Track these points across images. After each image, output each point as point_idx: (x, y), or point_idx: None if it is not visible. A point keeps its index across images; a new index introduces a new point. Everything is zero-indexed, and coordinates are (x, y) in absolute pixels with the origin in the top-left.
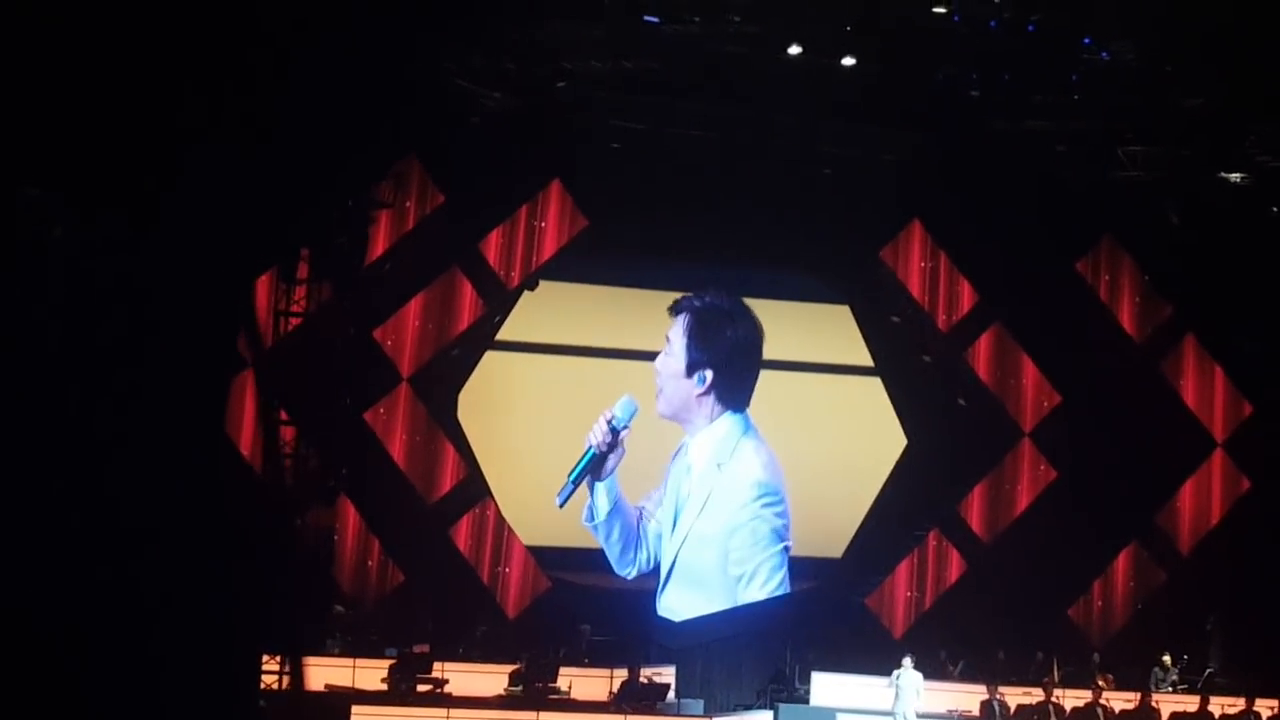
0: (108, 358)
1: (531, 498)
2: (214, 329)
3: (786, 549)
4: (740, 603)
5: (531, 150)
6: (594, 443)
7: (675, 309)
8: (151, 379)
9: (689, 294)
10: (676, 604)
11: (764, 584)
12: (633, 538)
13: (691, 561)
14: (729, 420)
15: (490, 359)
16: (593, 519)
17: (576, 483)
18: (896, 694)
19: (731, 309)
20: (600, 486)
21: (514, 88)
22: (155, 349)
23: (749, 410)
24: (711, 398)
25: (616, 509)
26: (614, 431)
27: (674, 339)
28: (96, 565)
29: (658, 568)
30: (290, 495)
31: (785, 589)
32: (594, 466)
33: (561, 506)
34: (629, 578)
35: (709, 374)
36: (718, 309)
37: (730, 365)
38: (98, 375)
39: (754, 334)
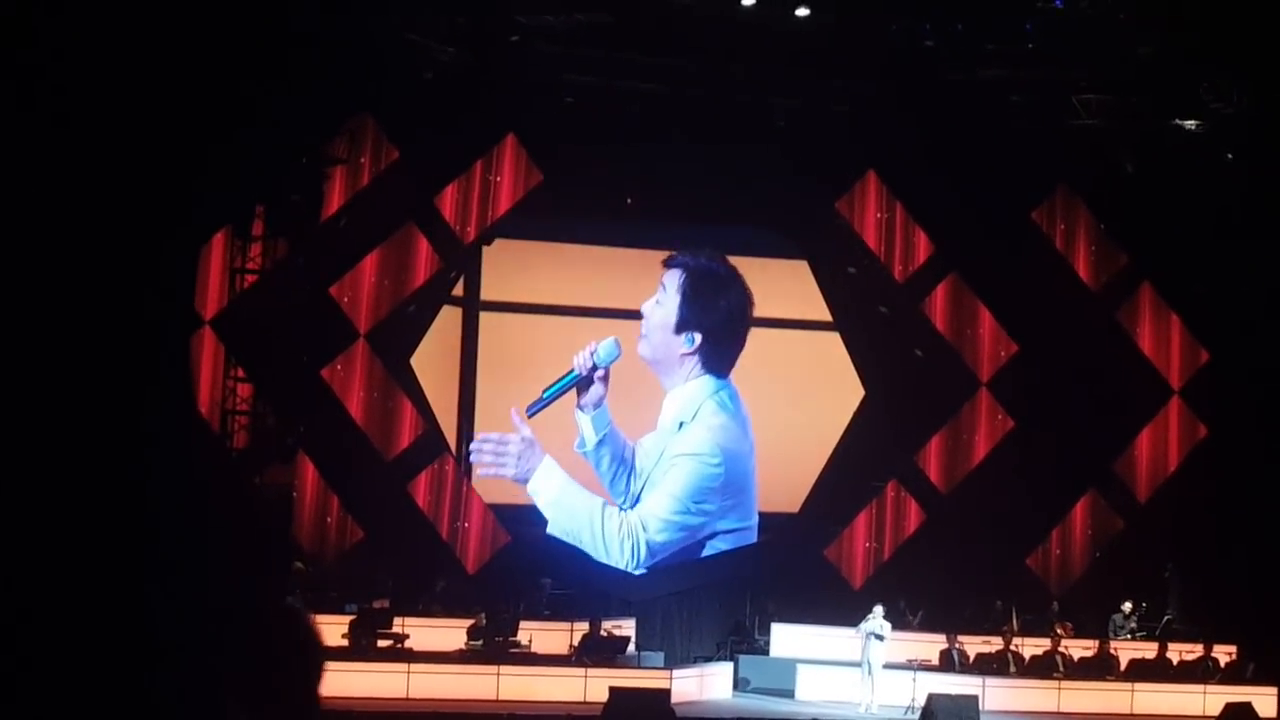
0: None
1: None
2: (170, 288)
3: (700, 514)
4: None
5: (485, 105)
6: (577, 365)
7: (672, 262)
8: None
9: (684, 252)
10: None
11: (659, 523)
12: (624, 469)
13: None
14: (702, 381)
15: (447, 314)
16: (583, 446)
17: (548, 399)
18: (866, 642)
19: (727, 276)
20: (586, 418)
21: (466, 42)
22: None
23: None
24: (695, 359)
25: (606, 440)
26: (595, 364)
27: (669, 289)
28: (48, 531)
29: None
30: (249, 453)
31: (653, 555)
32: (570, 389)
33: (529, 417)
34: (623, 507)
35: (698, 337)
36: (714, 274)
37: (720, 332)
38: (51, 339)
39: (745, 303)
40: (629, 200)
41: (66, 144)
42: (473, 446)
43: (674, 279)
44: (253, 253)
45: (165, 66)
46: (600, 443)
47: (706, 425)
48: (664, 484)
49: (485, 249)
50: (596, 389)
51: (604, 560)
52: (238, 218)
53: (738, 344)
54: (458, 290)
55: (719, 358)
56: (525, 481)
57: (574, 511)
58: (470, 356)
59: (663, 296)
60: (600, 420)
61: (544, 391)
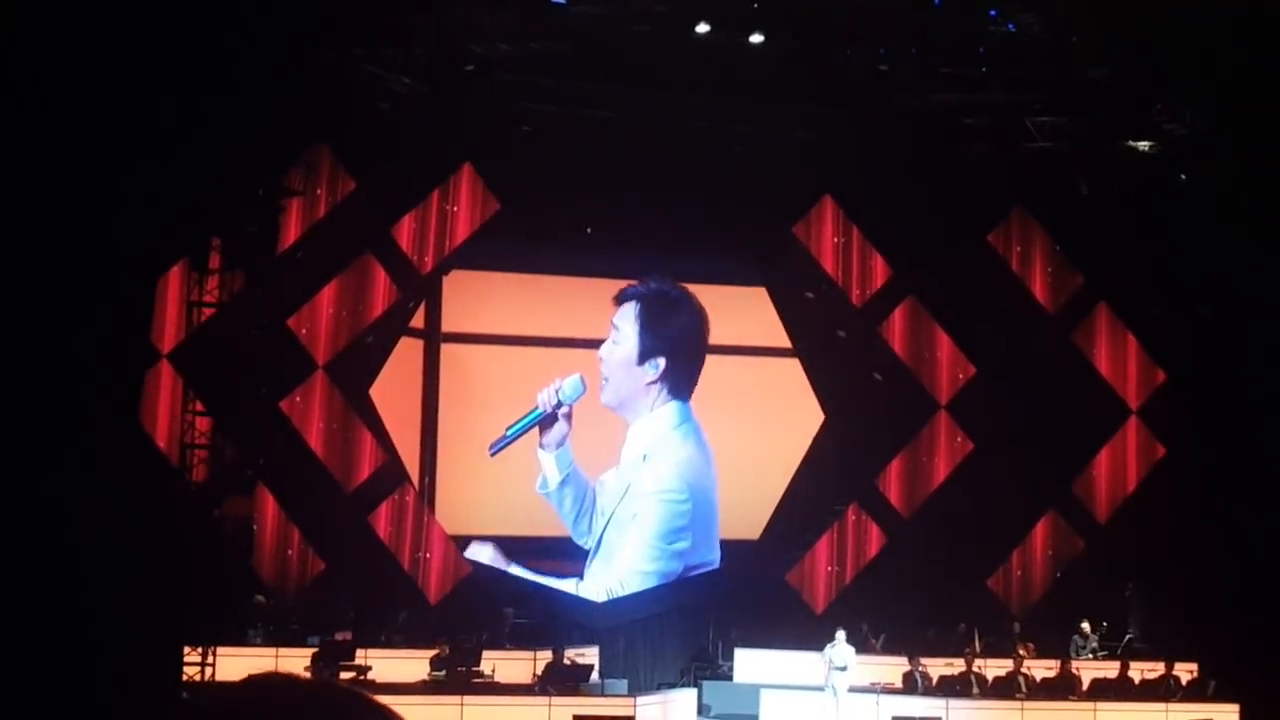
0: (23, 352)
1: (450, 485)
2: (128, 322)
3: (676, 554)
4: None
5: (442, 135)
6: (541, 403)
7: (623, 297)
8: (67, 372)
9: (634, 282)
10: (592, 585)
11: (639, 579)
12: (586, 509)
13: (609, 546)
14: (668, 410)
15: (408, 345)
16: (546, 487)
17: (512, 437)
18: (829, 668)
19: (679, 296)
20: (549, 457)
21: (423, 73)
22: (69, 342)
23: (690, 400)
24: (660, 386)
25: (569, 480)
26: (559, 401)
27: (623, 327)
28: (14, 559)
29: None
30: (208, 486)
31: (639, 583)
32: (534, 427)
33: (492, 455)
34: (586, 547)
35: (661, 362)
36: (666, 296)
37: (681, 353)
38: (12, 371)
39: (701, 321)
40: (588, 230)
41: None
42: None
43: (628, 313)
44: (210, 285)
45: (122, 99)
46: (563, 482)
47: (674, 460)
48: (634, 529)
49: (445, 280)
50: (560, 427)
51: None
52: (194, 251)
53: (698, 363)
54: (418, 322)
55: (683, 380)
56: None
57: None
58: (432, 388)
59: (618, 335)
60: (563, 459)
61: (507, 429)
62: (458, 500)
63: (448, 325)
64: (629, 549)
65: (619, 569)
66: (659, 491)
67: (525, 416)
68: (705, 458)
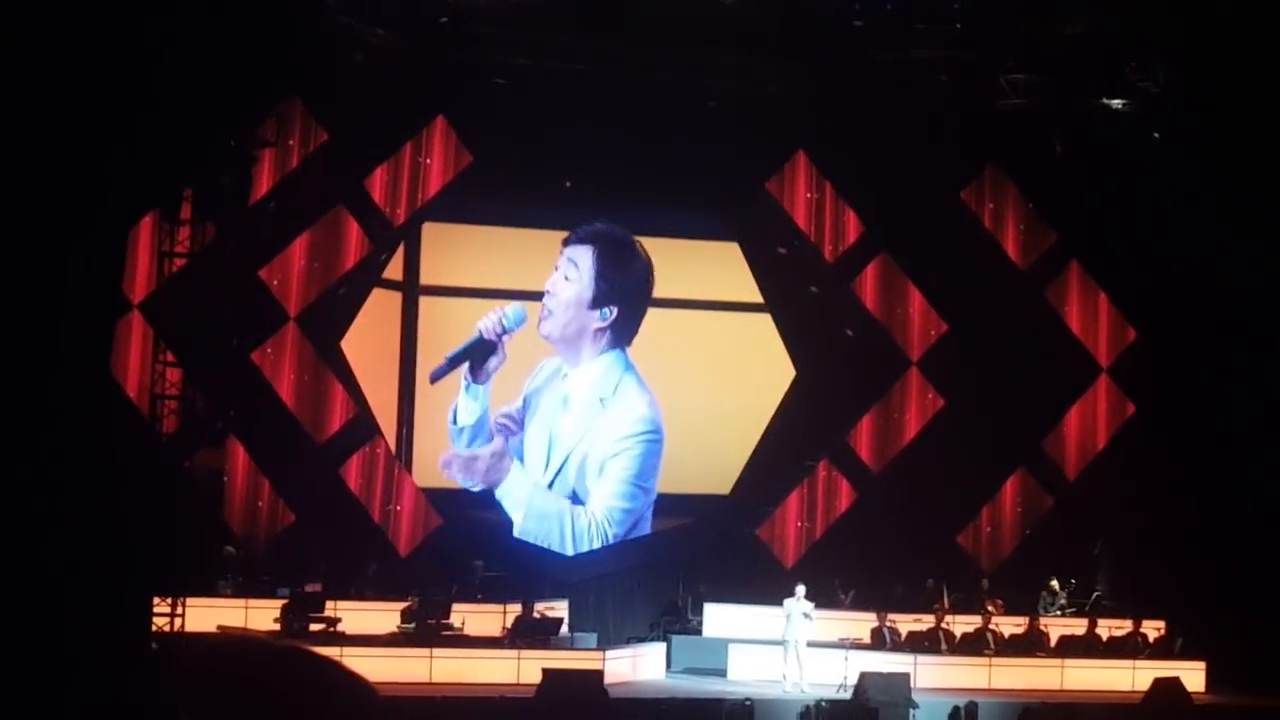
0: None
1: (427, 437)
2: (98, 272)
3: (646, 490)
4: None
5: (415, 87)
6: (484, 328)
7: (579, 238)
8: (36, 323)
9: (587, 224)
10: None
11: (612, 500)
12: (484, 440)
13: (578, 483)
14: (611, 356)
15: (385, 297)
16: (456, 421)
17: (453, 363)
18: (787, 621)
19: (630, 244)
20: (475, 390)
21: (396, 24)
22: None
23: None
24: (607, 333)
25: (480, 421)
26: (503, 328)
27: (580, 266)
28: None
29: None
30: (178, 437)
31: (646, 530)
32: (474, 354)
33: (433, 383)
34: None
35: (613, 310)
36: (621, 243)
37: (633, 302)
38: None
39: (650, 272)
40: (568, 184)
41: None
42: (442, 461)
43: (584, 254)
44: (181, 236)
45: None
46: (477, 423)
47: (642, 402)
48: (614, 470)
49: (424, 232)
50: (496, 358)
51: (565, 552)
52: (165, 201)
53: (643, 313)
54: (396, 274)
55: (628, 329)
56: (494, 489)
57: (544, 514)
58: (410, 340)
59: (572, 273)
60: (482, 396)
61: (448, 355)
62: (434, 452)
63: (425, 278)
64: (606, 487)
65: (597, 505)
66: (639, 434)
67: (466, 342)
68: (656, 403)
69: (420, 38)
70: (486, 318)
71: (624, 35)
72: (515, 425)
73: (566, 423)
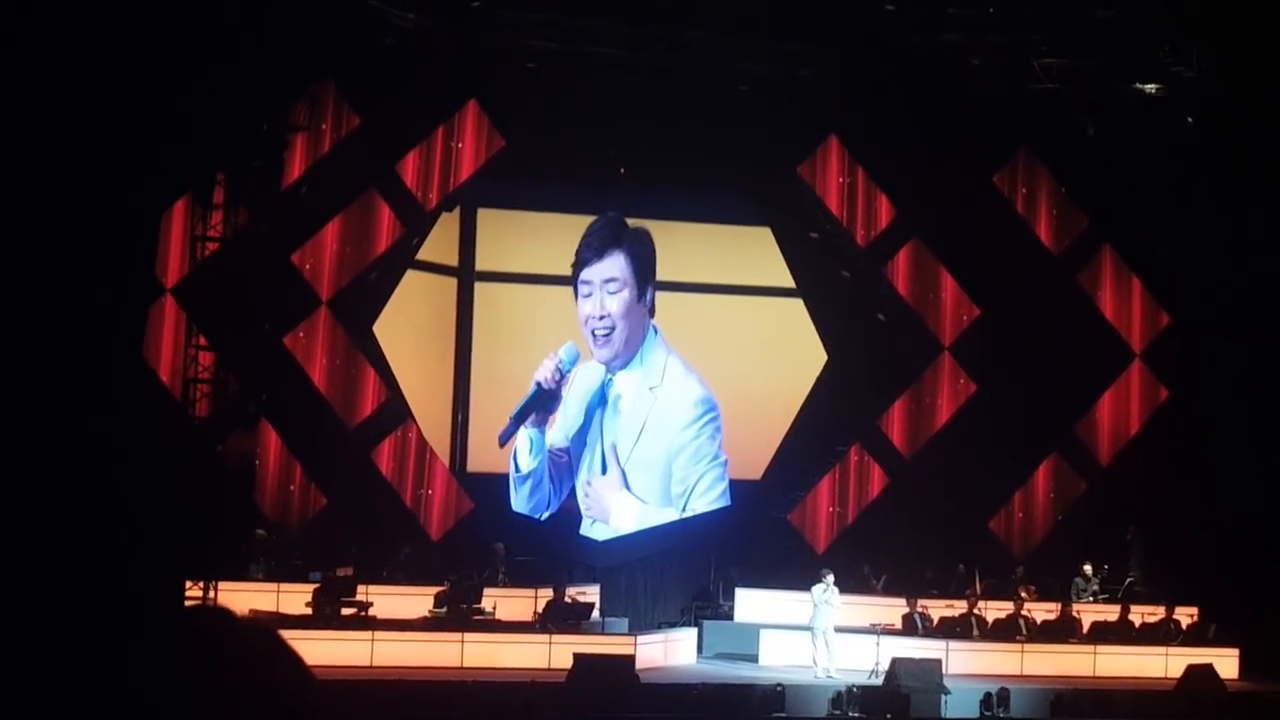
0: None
1: (483, 422)
2: (132, 256)
3: (725, 462)
4: (684, 515)
5: (447, 71)
6: (542, 379)
7: (595, 255)
8: (71, 308)
9: (600, 230)
10: (620, 522)
11: (706, 494)
12: (542, 486)
13: (634, 486)
14: (657, 340)
15: (410, 280)
16: (518, 470)
17: (519, 421)
18: (815, 609)
19: (625, 222)
20: (530, 435)
21: (428, 8)
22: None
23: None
24: (648, 316)
25: (540, 467)
26: (560, 373)
27: (620, 275)
28: (17, 495)
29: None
30: (211, 421)
31: (727, 501)
32: (536, 407)
33: (503, 445)
34: (538, 516)
35: (650, 290)
36: (637, 231)
37: (653, 275)
38: (16, 307)
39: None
40: (621, 170)
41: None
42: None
43: (617, 259)
44: (214, 220)
45: (126, 37)
46: (535, 469)
47: (692, 381)
48: (690, 462)
49: (479, 218)
50: (556, 397)
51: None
52: (198, 185)
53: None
54: (452, 260)
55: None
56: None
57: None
58: (465, 326)
59: (614, 285)
60: (538, 442)
61: (511, 415)
62: (489, 437)
63: (448, 259)
64: (694, 478)
65: (696, 504)
66: (700, 418)
67: (526, 397)
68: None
69: (452, 21)
70: (541, 368)
71: (656, 19)
72: (565, 455)
73: (623, 426)
